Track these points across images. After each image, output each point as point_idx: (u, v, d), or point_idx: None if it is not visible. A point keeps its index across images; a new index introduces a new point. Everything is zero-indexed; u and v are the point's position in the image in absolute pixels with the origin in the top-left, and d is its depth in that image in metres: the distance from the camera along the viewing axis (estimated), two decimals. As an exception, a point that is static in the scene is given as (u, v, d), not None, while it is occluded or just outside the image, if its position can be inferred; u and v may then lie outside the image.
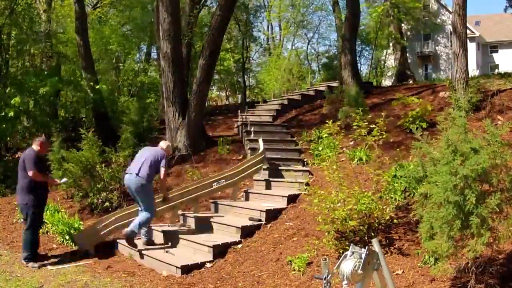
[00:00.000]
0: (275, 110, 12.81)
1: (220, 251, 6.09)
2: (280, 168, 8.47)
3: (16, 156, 13.72)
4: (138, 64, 22.05)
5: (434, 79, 24.63)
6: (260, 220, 6.63)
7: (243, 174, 7.96)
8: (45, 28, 15.92)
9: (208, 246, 6.14)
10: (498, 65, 38.97)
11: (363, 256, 2.96)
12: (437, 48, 37.43)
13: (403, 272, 4.67)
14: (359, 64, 24.73)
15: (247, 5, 23.52)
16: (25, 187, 6.67)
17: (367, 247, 3.03)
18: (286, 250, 5.69)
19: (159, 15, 11.98)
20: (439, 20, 34.63)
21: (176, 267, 5.82)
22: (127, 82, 19.19)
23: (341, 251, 5.09)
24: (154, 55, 23.91)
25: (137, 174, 6.61)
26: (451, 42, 15.67)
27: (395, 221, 5.38)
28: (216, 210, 7.72)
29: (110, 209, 8.61)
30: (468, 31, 11.46)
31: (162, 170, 6.75)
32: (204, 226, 7.01)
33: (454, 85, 8.73)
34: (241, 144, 10.69)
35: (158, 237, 7.31)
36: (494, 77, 11.96)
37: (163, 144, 7.18)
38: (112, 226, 7.34)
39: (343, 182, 5.42)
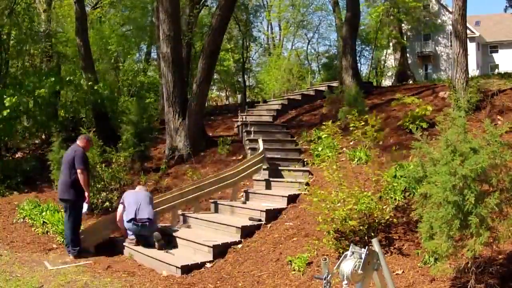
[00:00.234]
0: (275, 110, 12.81)
1: (220, 251, 6.09)
2: (280, 168, 8.47)
3: (16, 156, 13.73)
4: (138, 64, 22.05)
5: (434, 79, 24.63)
6: (260, 220, 6.63)
7: (243, 174, 7.96)
8: (45, 28, 15.91)
9: (208, 246, 6.15)
10: (498, 65, 38.98)
11: (363, 256, 2.96)
12: (437, 48, 37.43)
13: (403, 272, 4.67)
14: (359, 64, 24.75)
15: (247, 5, 23.51)
16: (69, 183, 6.70)
17: (367, 247, 3.03)
18: (286, 250, 5.69)
19: (159, 15, 11.98)
20: (439, 21, 34.63)
21: (176, 267, 5.82)
22: (127, 82, 19.18)
23: (341, 251, 5.09)
24: (154, 55, 23.93)
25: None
26: (451, 42, 15.68)
27: (395, 221, 5.39)
28: (216, 210, 7.72)
29: (110, 209, 8.62)
30: (468, 31, 11.45)
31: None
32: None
33: (454, 85, 8.73)
34: (241, 144, 10.69)
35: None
36: (494, 77, 11.95)
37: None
38: (113, 226, 7.34)
39: (343, 182, 5.42)
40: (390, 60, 29.84)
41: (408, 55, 28.61)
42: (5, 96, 11.26)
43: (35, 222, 8.67)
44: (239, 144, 10.74)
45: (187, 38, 14.51)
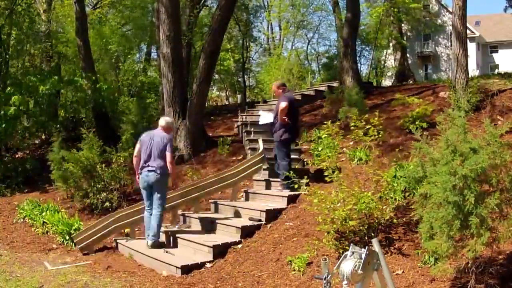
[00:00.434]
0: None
1: (220, 251, 6.09)
2: (280, 168, 8.45)
3: (16, 156, 13.74)
4: (138, 64, 22.05)
5: (434, 79, 24.64)
6: (260, 220, 6.63)
7: (243, 174, 7.95)
8: (45, 28, 15.92)
9: (208, 246, 6.15)
10: (498, 65, 38.99)
11: (363, 256, 2.96)
12: (437, 48, 37.44)
13: (403, 272, 4.67)
14: (359, 64, 24.73)
15: (247, 5, 23.52)
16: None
17: (367, 247, 3.03)
18: (286, 250, 5.69)
19: (159, 15, 11.98)
20: (439, 21, 34.64)
21: (176, 267, 5.82)
22: (127, 82, 19.19)
23: (341, 251, 5.09)
24: (154, 55, 23.92)
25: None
26: (451, 42, 15.68)
27: (395, 221, 5.38)
28: (216, 210, 7.72)
29: (110, 209, 8.62)
30: (468, 31, 11.45)
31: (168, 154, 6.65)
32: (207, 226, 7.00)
33: (454, 85, 8.73)
34: (241, 144, 10.69)
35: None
36: (494, 77, 11.95)
37: (162, 122, 7.00)
38: (113, 226, 7.35)
39: (343, 182, 5.42)
40: (390, 60, 29.83)
41: (408, 55, 28.60)
42: (9, 96, 11.33)
43: (35, 222, 8.68)
44: (239, 144, 10.74)
45: (187, 38, 14.50)
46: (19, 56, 15.61)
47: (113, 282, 5.63)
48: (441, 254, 3.89)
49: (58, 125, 13.26)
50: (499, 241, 3.85)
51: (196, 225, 7.33)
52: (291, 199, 6.99)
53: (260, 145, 8.74)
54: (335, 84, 14.25)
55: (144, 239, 7.33)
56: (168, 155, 6.59)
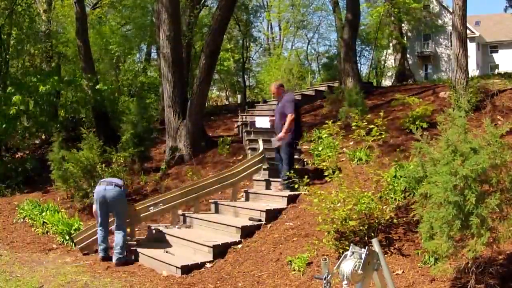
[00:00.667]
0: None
1: (220, 251, 6.09)
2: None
3: (16, 156, 13.74)
4: (138, 64, 22.05)
5: (434, 79, 24.63)
6: (260, 220, 6.63)
7: (243, 174, 7.95)
8: (45, 28, 15.92)
9: (208, 246, 6.15)
10: (498, 65, 39.00)
11: (363, 256, 2.96)
12: (437, 48, 37.44)
13: (403, 272, 4.67)
14: (359, 64, 24.75)
15: (247, 5, 23.51)
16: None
17: (367, 247, 3.03)
18: (286, 250, 5.69)
19: (159, 15, 11.98)
20: (440, 21, 34.64)
21: (176, 267, 5.82)
22: (127, 82, 19.20)
23: (341, 251, 5.09)
24: (154, 55, 23.93)
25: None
26: (451, 42, 15.68)
27: (395, 221, 5.38)
28: (216, 210, 7.72)
29: (110, 209, 8.61)
30: (468, 31, 11.46)
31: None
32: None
33: (454, 85, 8.73)
34: (241, 144, 10.69)
35: (160, 237, 7.31)
36: (494, 77, 11.95)
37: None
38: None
39: (343, 182, 5.42)
40: (390, 60, 29.83)
41: (408, 55, 28.59)
42: (9, 96, 11.34)
43: (35, 222, 8.68)
44: (239, 144, 10.74)
45: (187, 38, 14.51)
46: (19, 56, 15.61)
47: (113, 282, 5.63)
48: (441, 254, 3.89)
49: (58, 125, 13.26)
50: (499, 241, 3.84)
51: (196, 225, 7.33)
52: (291, 199, 6.99)
53: (260, 145, 8.74)
54: (335, 84, 14.26)
55: (144, 238, 7.36)
56: None
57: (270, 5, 29.16)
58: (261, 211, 6.75)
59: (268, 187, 8.02)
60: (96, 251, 7.23)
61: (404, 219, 5.47)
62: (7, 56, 13.99)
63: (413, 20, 28.20)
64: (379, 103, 11.62)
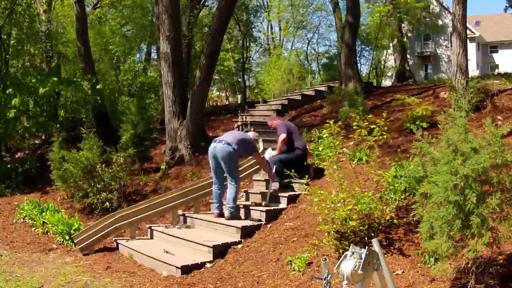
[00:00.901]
0: (275, 111, 12.78)
1: (220, 251, 6.09)
2: (280, 168, 8.45)
3: (16, 156, 13.75)
4: (138, 64, 22.06)
5: (434, 79, 24.63)
6: (260, 220, 6.63)
7: (243, 174, 7.95)
8: (45, 28, 15.92)
9: (208, 246, 6.14)
10: (498, 65, 38.97)
11: (363, 256, 2.96)
12: (437, 48, 37.44)
13: (403, 272, 4.67)
14: (359, 64, 24.76)
15: (247, 5, 23.51)
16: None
17: (367, 247, 3.03)
18: (286, 250, 5.69)
19: (159, 15, 11.98)
20: (440, 22, 34.64)
21: (176, 267, 5.82)
22: (127, 82, 19.20)
23: (341, 251, 5.09)
24: (154, 55, 23.93)
25: (228, 143, 6.82)
26: (451, 42, 15.68)
27: (395, 221, 5.38)
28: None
29: (110, 209, 8.63)
30: (468, 31, 11.45)
31: (255, 154, 7.23)
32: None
33: (454, 86, 8.72)
34: (241, 144, 10.67)
35: (160, 237, 7.32)
36: (494, 77, 11.94)
37: (251, 134, 7.79)
38: (113, 226, 7.35)
39: (343, 182, 5.42)
40: (390, 60, 29.83)
41: (408, 55, 28.60)
42: (9, 98, 11.35)
43: (35, 222, 8.68)
44: (239, 144, 10.72)
45: (187, 38, 14.51)
46: (19, 56, 15.61)
47: (113, 282, 5.62)
48: (441, 254, 3.89)
49: (58, 125, 13.26)
50: (499, 241, 3.84)
51: (196, 225, 7.33)
52: (291, 199, 6.99)
53: (260, 146, 8.75)
54: (335, 84, 14.25)
55: (144, 239, 7.37)
56: None
57: (270, 5, 29.16)
58: (261, 211, 6.75)
59: (268, 187, 8.01)
60: (96, 251, 7.25)
61: (405, 219, 5.47)
62: (7, 56, 13.99)
63: (413, 20, 28.20)
64: (379, 103, 11.62)
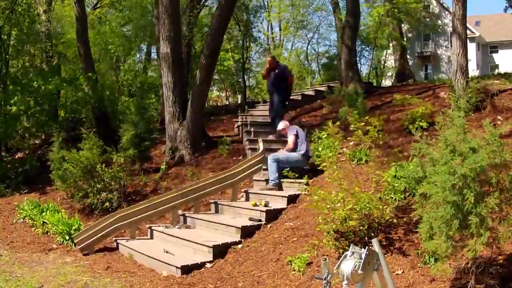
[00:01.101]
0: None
1: (220, 251, 6.10)
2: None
3: (16, 156, 13.74)
4: (138, 64, 22.05)
5: (434, 79, 24.63)
6: (260, 220, 6.64)
7: (243, 174, 7.96)
8: (45, 28, 15.92)
9: (208, 246, 6.15)
10: (498, 65, 38.97)
11: (363, 256, 2.96)
12: (437, 49, 37.43)
13: (403, 272, 4.67)
14: (359, 64, 24.71)
15: (247, 5, 23.49)
16: None
17: (367, 247, 3.03)
18: (286, 250, 5.69)
19: (159, 15, 11.98)
20: (439, 22, 34.63)
21: (176, 267, 5.82)
22: (127, 82, 19.19)
23: (341, 251, 5.09)
24: (154, 55, 23.90)
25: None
26: (451, 42, 15.68)
27: (395, 221, 5.39)
28: (216, 210, 7.72)
29: (110, 210, 8.62)
30: (468, 31, 11.44)
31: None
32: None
33: (453, 86, 8.72)
34: (241, 144, 10.68)
35: (160, 237, 7.32)
36: (494, 77, 11.93)
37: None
38: (113, 227, 7.35)
39: (343, 182, 5.42)
40: (390, 60, 29.83)
41: (408, 55, 28.58)
42: (10, 96, 11.36)
43: (35, 222, 8.68)
44: (239, 145, 10.73)
45: (187, 38, 14.50)
46: (19, 56, 15.59)
47: (113, 282, 5.63)
48: (441, 254, 3.89)
49: (58, 125, 13.25)
50: (499, 241, 3.84)
51: (196, 225, 7.33)
52: (291, 199, 6.99)
53: (260, 145, 8.75)
54: (335, 84, 14.24)
55: (144, 239, 7.36)
56: None
57: (270, 5, 29.15)
58: (261, 211, 6.75)
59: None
60: (96, 251, 7.25)
61: (404, 219, 5.47)
62: (7, 56, 13.99)
63: (413, 21, 28.18)
64: (379, 104, 11.61)
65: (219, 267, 5.83)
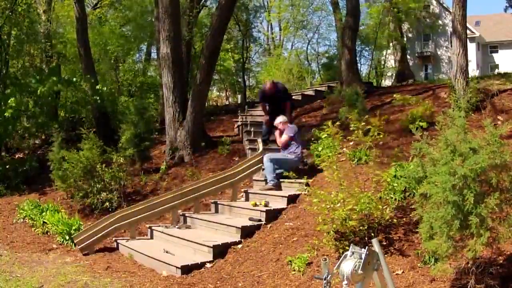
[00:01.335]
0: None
1: (220, 251, 6.10)
2: (280, 168, 8.45)
3: (16, 156, 13.74)
4: (138, 64, 22.05)
5: (434, 79, 24.63)
6: (260, 220, 6.64)
7: (243, 174, 7.96)
8: (45, 28, 15.92)
9: (208, 246, 6.15)
10: (498, 65, 38.96)
11: (363, 256, 2.96)
12: (437, 49, 37.43)
13: (403, 272, 4.67)
14: (359, 64, 24.68)
15: (247, 5, 23.49)
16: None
17: (367, 247, 3.03)
18: (286, 250, 5.69)
19: (159, 15, 11.98)
20: (440, 22, 34.62)
21: (176, 267, 5.82)
22: (127, 82, 19.18)
23: (341, 251, 5.09)
24: (154, 55, 23.91)
25: None
26: (451, 42, 15.67)
27: (395, 221, 5.39)
28: (216, 210, 7.72)
29: (110, 209, 8.62)
30: (468, 31, 11.44)
31: None
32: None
33: (454, 86, 8.72)
34: (241, 144, 10.69)
35: (160, 237, 7.32)
36: (494, 77, 11.94)
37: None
38: (113, 227, 7.35)
39: (343, 182, 5.42)
40: (390, 60, 29.81)
41: (408, 56, 28.58)
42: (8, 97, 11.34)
43: (35, 222, 8.68)
44: (239, 144, 10.74)
45: (187, 38, 14.50)
46: (19, 56, 15.60)
47: (113, 282, 5.63)
48: (441, 254, 3.89)
49: (58, 125, 13.25)
50: (499, 241, 3.84)
51: (196, 225, 7.33)
52: (291, 199, 6.99)
53: (260, 145, 8.75)
54: (335, 84, 14.24)
55: (144, 239, 7.36)
56: None
57: (270, 5, 29.15)
58: (261, 211, 6.75)
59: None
60: (96, 251, 7.25)
61: (404, 219, 5.48)
62: (7, 56, 13.99)
63: (413, 21, 28.17)
64: (379, 104, 11.61)
65: (219, 267, 5.83)
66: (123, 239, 7.39)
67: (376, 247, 3.11)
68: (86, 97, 13.42)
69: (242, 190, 8.14)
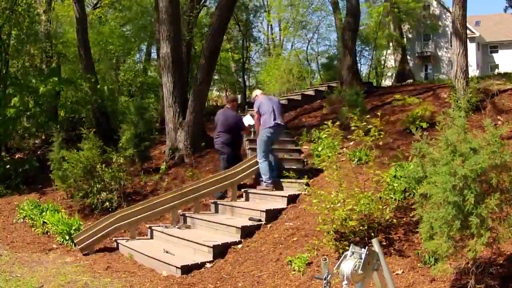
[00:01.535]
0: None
1: (220, 251, 6.09)
2: (280, 168, 8.45)
3: (16, 156, 13.74)
4: (138, 64, 22.05)
5: (434, 79, 24.62)
6: (260, 220, 6.63)
7: (243, 174, 7.96)
8: (45, 28, 15.92)
9: (208, 246, 6.15)
10: (498, 65, 38.98)
11: (363, 256, 2.96)
12: (437, 49, 37.43)
13: (403, 272, 4.67)
14: (359, 64, 24.67)
15: (247, 5, 23.51)
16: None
17: (367, 247, 3.03)
18: (286, 250, 5.69)
19: (159, 15, 11.98)
20: (440, 23, 34.64)
21: (176, 267, 5.82)
22: (127, 82, 19.17)
23: (341, 251, 5.09)
24: (154, 55, 23.92)
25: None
26: (451, 42, 15.68)
27: (395, 221, 5.38)
28: (216, 210, 7.72)
29: (110, 209, 8.62)
30: (468, 31, 11.45)
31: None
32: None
33: (454, 86, 8.72)
34: (241, 144, 10.68)
35: (160, 237, 7.32)
36: (494, 77, 11.94)
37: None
38: (113, 227, 7.35)
39: (343, 183, 5.42)
40: (390, 60, 29.80)
41: (408, 56, 28.57)
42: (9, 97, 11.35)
43: (35, 222, 8.68)
44: (239, 144, 10.72)
45: (187, 38, 14.50)
46: (19, 56, 15.59)
47: (113, 282, 5.63)
48: (441, 254, 3.89)
49: (58, 125, 13.26)
50: (499, 241, 3.85)
51: (196, 225, 7.33)
52: (291, 199, 6.99)
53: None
54: (335, 84, 14.23)
55: (144, 239, 7.36)
56: None
57: (270, 5, 29.14)
58: (261, 211, 6.75)
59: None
60: (96, 251, 7.26)
61: (404, 219, 5.47)
62: (7, 56, 13.99)
63: (413, 21, 28.17)
64: (380, 104, 11.61)
65: (219, 267, 5.83)
66: (123, 239, 7.39)
67: (376, 247, 3.11)
68: (86, 97, 13.43)
69: (242, 190, 8.14)
